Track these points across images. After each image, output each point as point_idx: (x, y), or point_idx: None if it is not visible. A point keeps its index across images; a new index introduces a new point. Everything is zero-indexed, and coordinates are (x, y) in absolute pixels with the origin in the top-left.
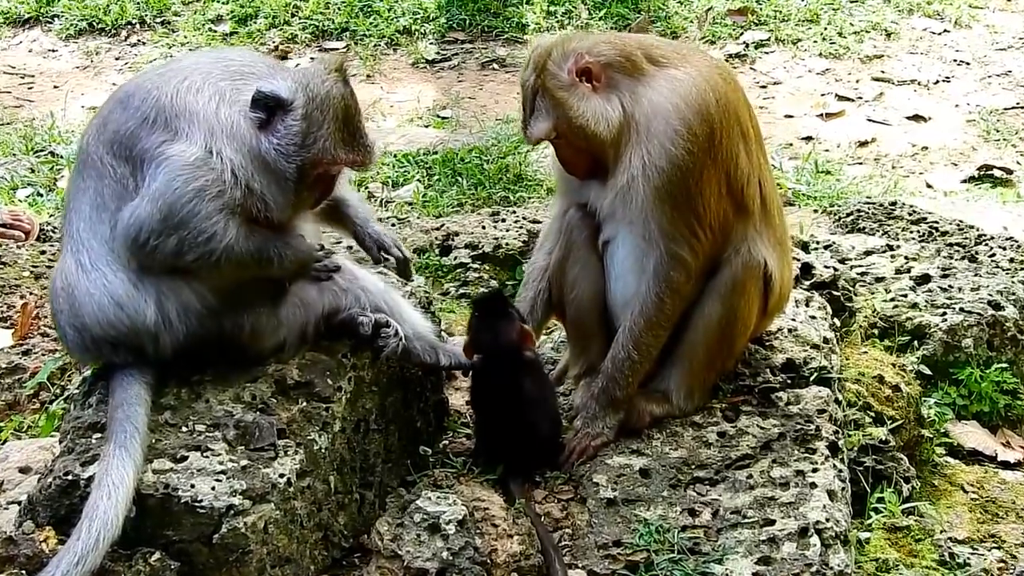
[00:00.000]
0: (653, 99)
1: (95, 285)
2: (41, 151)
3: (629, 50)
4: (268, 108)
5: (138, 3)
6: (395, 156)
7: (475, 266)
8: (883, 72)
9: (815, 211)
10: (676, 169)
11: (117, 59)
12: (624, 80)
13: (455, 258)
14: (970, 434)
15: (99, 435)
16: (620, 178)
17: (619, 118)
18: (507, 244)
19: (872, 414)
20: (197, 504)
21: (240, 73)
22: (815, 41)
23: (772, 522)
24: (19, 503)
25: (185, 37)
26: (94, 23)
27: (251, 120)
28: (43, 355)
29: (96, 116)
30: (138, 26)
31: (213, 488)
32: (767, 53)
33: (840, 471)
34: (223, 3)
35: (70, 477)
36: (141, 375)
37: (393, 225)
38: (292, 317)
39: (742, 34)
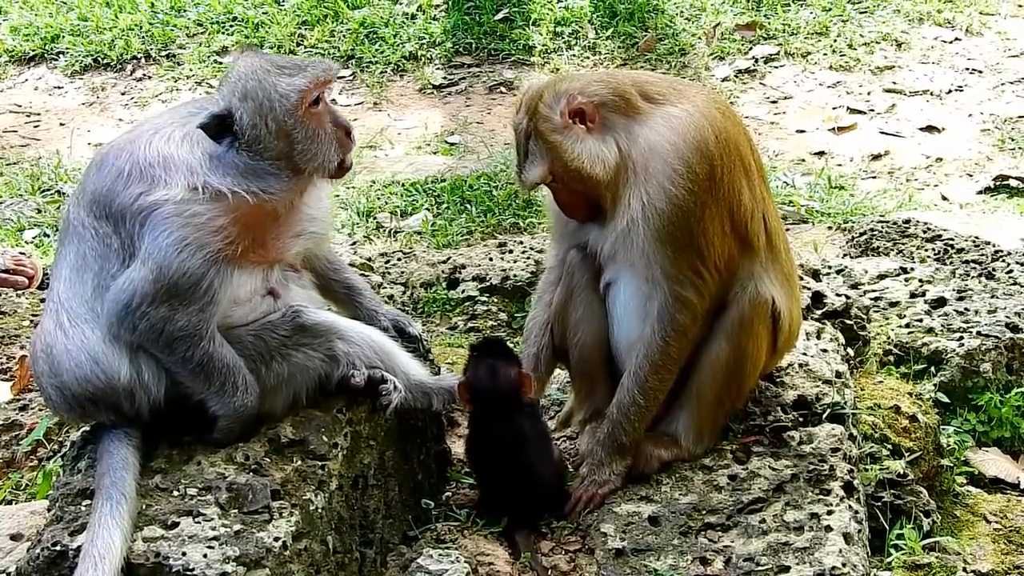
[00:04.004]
0: (650, 138)
1: (73, 343)
2: (48, 190)
3: (623, 88)
4: (219, 127)
5: (143, 37)
6: (403, 185)
7: (483, 299)
8: (895, 83)
9: (829, 228)
10: (677, 209)
11: (123, 94)
12: (619, 119)
13: (463, 291)
14: (991, 461)
15: (88, 502)
16: (620, 220)
17: (615, 159)
18: (515, 276)
19: (889, 446)
20: (189, 573)
21: (199, 113)
22: (825, 54)
23: (787, 569)
24: (9, 574)
25: (190, 70)
26: (99, 59)
27: (219, 147)
28: (40, 410)
29: (77, 186)
30: (143, 60)
31: (205, 555)
32: (777, 67)
33: (856, 512)
34: (228, 35)
35: (58, 548)
36: (128, 438)
37: (399, 259)
38: (282, 386)
39: (751, 49)
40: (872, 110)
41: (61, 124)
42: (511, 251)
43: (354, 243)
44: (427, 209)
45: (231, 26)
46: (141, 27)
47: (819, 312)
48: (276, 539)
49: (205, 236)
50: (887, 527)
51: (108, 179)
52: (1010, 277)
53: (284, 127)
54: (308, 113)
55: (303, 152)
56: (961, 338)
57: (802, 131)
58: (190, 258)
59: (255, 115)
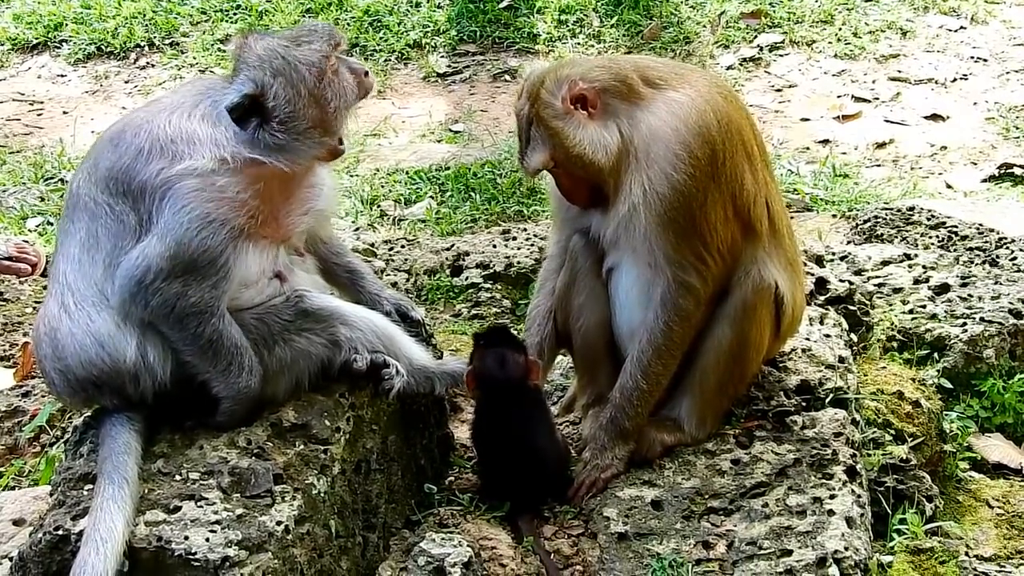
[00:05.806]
0: (652, 123)
1: (78, 325)
2: (51, 179)
3: (625, 74)
4: (249, 108)
5: (146, 25)
6: (407, 173)
7: (487, 286)
8: (899, 72)
9: (833, 216)
10: (679, 195)
11: (126, 82)
12: (621, 105)
13: (466, 278)
14: (994, 447)
15: (90, 486)
16: (622, 206)
17: (617, 145)
18: (518, 263)
19: (892, 432)
20: (191, 557)
21: (212, 92)
22: (830, 42)
23: (789, 553)
24: (11, 558)
25: (194, 58)
26: (103, 47)
27: (246, 128)
28: (43, 397)
29: (85, 160)
30: (147, 48)
31: (207, 539)
32: (782, 56)
33: (859, 496)
34: (231, 23)
35: (60, 532)
36: (131, 423)
37: (403, 246)
38: (285, 371)
39: (756, 37)
40: (877, 98)
41: (64, 112)
42: (515, 238)
43: (356, 229)
44: (431, 197)
45: (235, 14)
46: (144, 15)
47: (823, 298)
48: (278, 523)
49: (230, 211)
50: (890, 512)
51: (127, 156)
52: (1014, 264)
53: (316, 93)
54: (332, 73)
55: (336, 109)
56: (964, 324)
57: (807, 119)
58: (213, 235)
59: (288, 88)
